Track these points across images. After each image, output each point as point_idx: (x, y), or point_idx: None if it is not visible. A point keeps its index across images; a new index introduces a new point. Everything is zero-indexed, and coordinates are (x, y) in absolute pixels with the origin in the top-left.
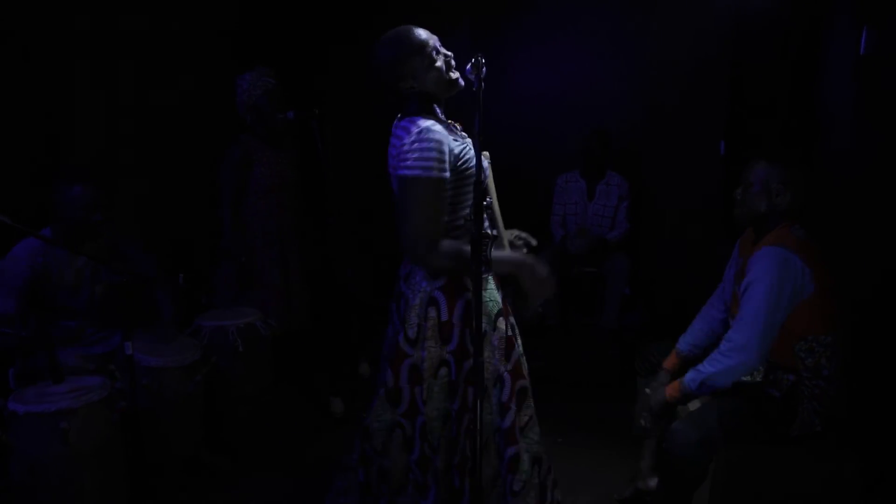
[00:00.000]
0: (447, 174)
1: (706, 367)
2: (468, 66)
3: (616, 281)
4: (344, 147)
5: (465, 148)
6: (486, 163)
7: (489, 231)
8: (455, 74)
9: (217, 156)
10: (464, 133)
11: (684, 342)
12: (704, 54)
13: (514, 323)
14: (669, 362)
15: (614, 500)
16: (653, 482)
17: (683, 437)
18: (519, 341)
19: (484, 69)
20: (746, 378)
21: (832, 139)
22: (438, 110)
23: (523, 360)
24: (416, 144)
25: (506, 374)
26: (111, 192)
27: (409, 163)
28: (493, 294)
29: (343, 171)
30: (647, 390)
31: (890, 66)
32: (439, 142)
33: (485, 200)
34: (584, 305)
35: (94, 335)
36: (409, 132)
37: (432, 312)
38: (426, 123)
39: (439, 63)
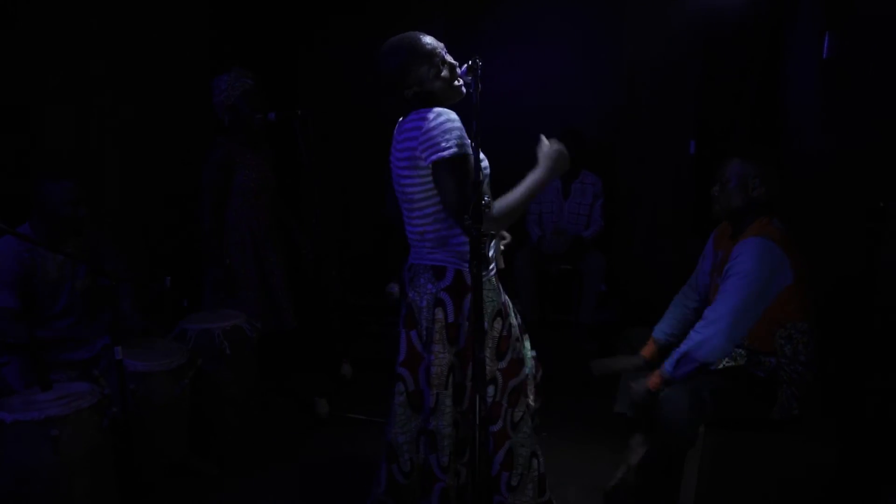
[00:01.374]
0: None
1: (681, 347)
2: (463, 68)
3: (592, 278)
4: (320, 147)
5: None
6: (485, 163)
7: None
8: (460, 82)
9: (193, 158)
10: None
11: (660, 331)
12: (675, 57)
13: (517, 323)
14: (647, 350)
15: (600, 491)
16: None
17: (675, 403)
18: (523, 341)
19: (480, 71)
20: (731, 362)
21: (796, 139)
22: None
23: (528, 359)
24: (443, 126)
25: (498, 372)
26: (90, 191)
27: (442, 144)
28: (491, 294)
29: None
30: (631, 384)
31: (851, 68)
32: (457, 120)
33: (483, 200)
34: (560, 302)
35: (75, 340)
36: (426, 119)
37: (439, 314)
38: (438, 109)
39: (445, 73)
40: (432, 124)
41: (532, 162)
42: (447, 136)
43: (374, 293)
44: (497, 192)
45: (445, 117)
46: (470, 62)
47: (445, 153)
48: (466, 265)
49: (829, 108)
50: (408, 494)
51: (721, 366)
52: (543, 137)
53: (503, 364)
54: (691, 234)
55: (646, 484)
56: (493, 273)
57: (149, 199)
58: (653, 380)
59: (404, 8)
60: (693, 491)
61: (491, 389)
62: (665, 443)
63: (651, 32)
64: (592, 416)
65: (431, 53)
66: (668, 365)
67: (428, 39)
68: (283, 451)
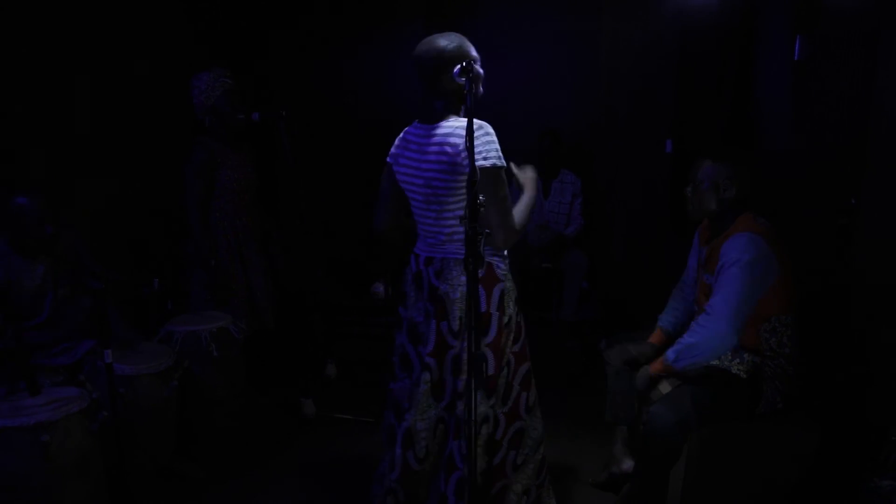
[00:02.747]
0: None
1: (684, 339)
2: (456, 69)
3: (574, 276)
4: (305, 147)
5: None
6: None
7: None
8: (481, 90)
9: (173, 158)
10: None
11: (665, 321)
12: (651, 58)
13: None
14: (655, 338)
15: (589, 485)
16: (627, 465)
17: (662, 420)
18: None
19: (475, 72)
20: (715, 362)
21: (768, 139)
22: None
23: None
24: (487, 137)
25: (511, 356)
26: (67, 199)
27: (490, 154)
28: (510, 283)
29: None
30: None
31: (821, 70)
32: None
33: (479, 199)
34: (540, 300)
35: (58, 345)
36: (470, 129)
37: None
38: (479, 121)
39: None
40: (478, 133)
41: (513, 159)
42: (490, 148)
43: (356, 294)
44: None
45: (488, 129)
46: (464, 64)
47: (493, 162)
48: (497, 258)
49: (801, 109)
50: (419, 481)
51: (703, 370)
52: (514, 166)
53: (517, 348)
54: (669, 232)
55: (634, 494)
56: (507, 262)
57: (128, 200)
58: (655, 366)
59: (383, 10)
60: (679, 484)
61: (504, 371)
62: (653, 457)
63: (627, 34)
64: (576, 412)
65: (475, 59)
66: (671, 353)
67: (471, 46)
68: (271, 453)
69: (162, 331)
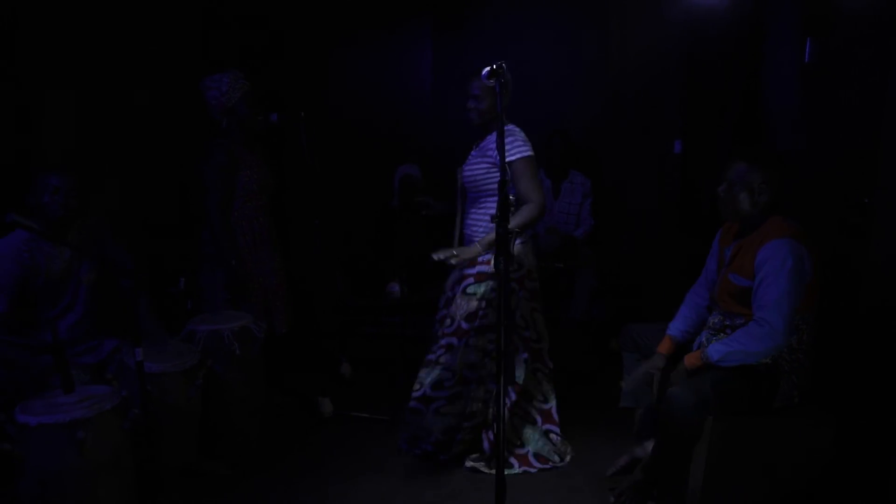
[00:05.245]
0: None
1: (733, 344)
2: (485, 72)
3: (584, 275)
4: (324, 147)
5: None
6: None
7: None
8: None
9: (190, 159)
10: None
11: (675, 329)
12: (659, 57)
13: None
14: (664, 347)
15: (607, 475)
16: (647, 447)
17: (682, 401)
18: None
19: (504, 76)
20: None
21: (777, 139)
22: None
23: None
24: (520, 135)
25: (538, 314)
26: (87, 185)
27: (521, 148)
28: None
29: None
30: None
31: (831, 72)
32: None
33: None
34: (550, 299)
35: (81, 343)
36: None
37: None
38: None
39: None
40: (512, 135)
41: None
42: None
43: (371, 293)
44: None
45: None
46: (494, 66)
47: (526, 154)
48: None
49: (809, 110)
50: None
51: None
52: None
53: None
54: (678, 232)
55: (654, 477)
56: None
57: (148, 200)
58: (691, 360)
59: (393, 6)
60: (701, 475)
61: (528, 332)
62: (672, 437)
63: (636, 35)
64: (592, 407)
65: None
66: (714, 353)
67: None
68: (291, 450)
69: (184, 330)
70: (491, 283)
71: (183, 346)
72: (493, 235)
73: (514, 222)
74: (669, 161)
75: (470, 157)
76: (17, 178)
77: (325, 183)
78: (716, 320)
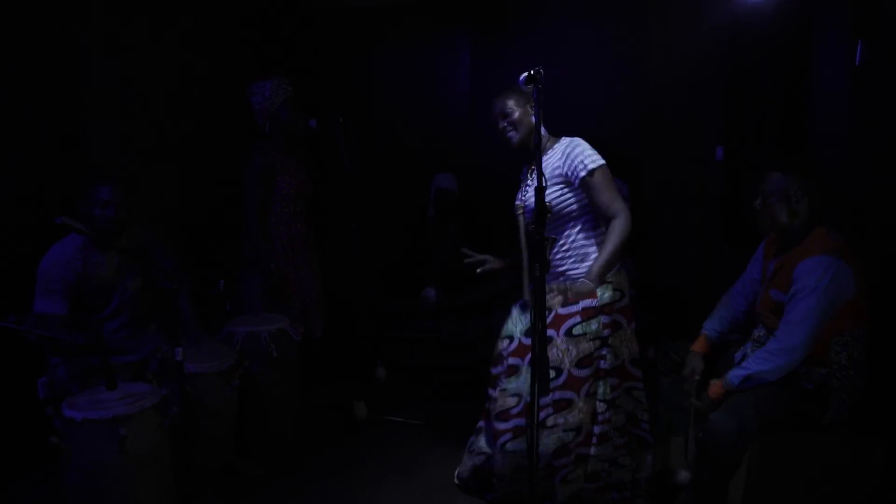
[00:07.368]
0: None
1: (752, 365)
2: (522, 77)
3: None
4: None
5: None
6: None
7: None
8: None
9: (232, 164)
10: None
11: (710, 328)
12: (700, 64)
13: None
14: (698, 346)
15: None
16: (682, 476)
17: (722, 427)
18: None
19: (541, 83)
20: None
21: (824, 147)
22: None
23: None
24: (586, 143)
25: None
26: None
27: (594, 157)
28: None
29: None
30: (693, 401)
31: (884, 76)
32: None
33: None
34: None
35: (123, 344)
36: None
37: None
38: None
39: None
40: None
41: None
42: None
43: (406, 298)
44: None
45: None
46: (532, 71)
47: (598, 163)
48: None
49: (859, 116)
50: None
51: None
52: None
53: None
54: (720, 240)
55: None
56: None
57: (189, 204)
58: (715, 390)
59: (433, 14)
60: (741, 492)
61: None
62: (711, 465)
63: (676, 39)
64: None
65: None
66: (734, 379)
67: None
68: (326, 452)
69: (222, 331)
70: (604, 317)
71: (220, 348)
72: (600, 264)
73: (609, 248)
74: (711, 168)
75: (526, 187)
76: (69, 184)
77: (362, 189)
78: (761, 333)
